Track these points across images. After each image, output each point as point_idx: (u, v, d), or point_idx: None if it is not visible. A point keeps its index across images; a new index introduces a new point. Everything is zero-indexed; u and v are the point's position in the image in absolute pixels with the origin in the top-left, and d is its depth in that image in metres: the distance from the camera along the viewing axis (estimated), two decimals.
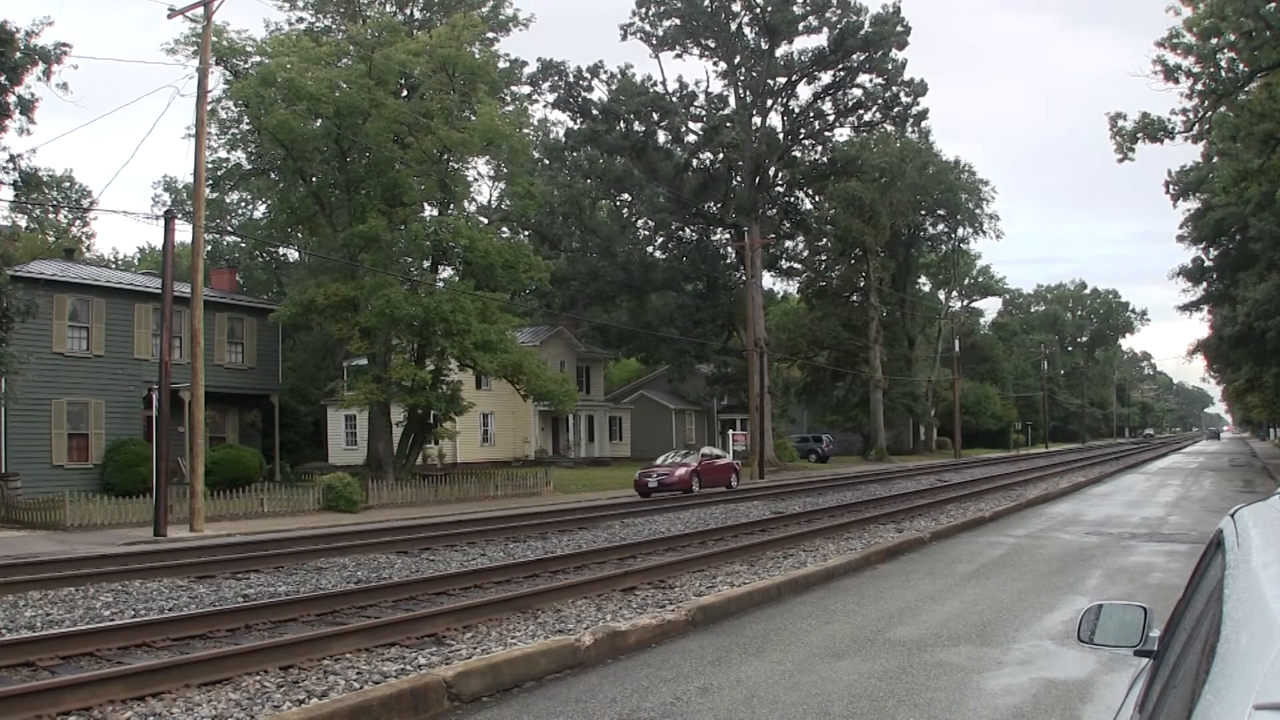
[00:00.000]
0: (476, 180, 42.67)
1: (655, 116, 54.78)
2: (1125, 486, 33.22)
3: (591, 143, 54.75)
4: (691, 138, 56.32)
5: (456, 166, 35.52)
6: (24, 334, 25.65)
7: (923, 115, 56.24)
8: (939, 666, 8.14)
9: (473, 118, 34.20)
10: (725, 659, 8.55)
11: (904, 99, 54.93)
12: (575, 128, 55.68)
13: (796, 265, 67.83)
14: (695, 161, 56.45)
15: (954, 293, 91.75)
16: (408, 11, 43.13)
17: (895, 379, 69.72)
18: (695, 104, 55.96)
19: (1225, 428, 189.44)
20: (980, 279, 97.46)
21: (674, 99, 55.07)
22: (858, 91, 55.52)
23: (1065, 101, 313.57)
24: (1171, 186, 43.39)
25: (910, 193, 63.63)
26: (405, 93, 36.31)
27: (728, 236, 56.97)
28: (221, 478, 29.07)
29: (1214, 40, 27.71)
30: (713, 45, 54.24)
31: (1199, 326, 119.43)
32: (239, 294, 40.84)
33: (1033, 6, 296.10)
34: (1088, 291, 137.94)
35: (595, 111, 54.23)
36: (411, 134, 33.08)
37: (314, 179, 35.01)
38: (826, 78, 55.09)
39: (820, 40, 53.56)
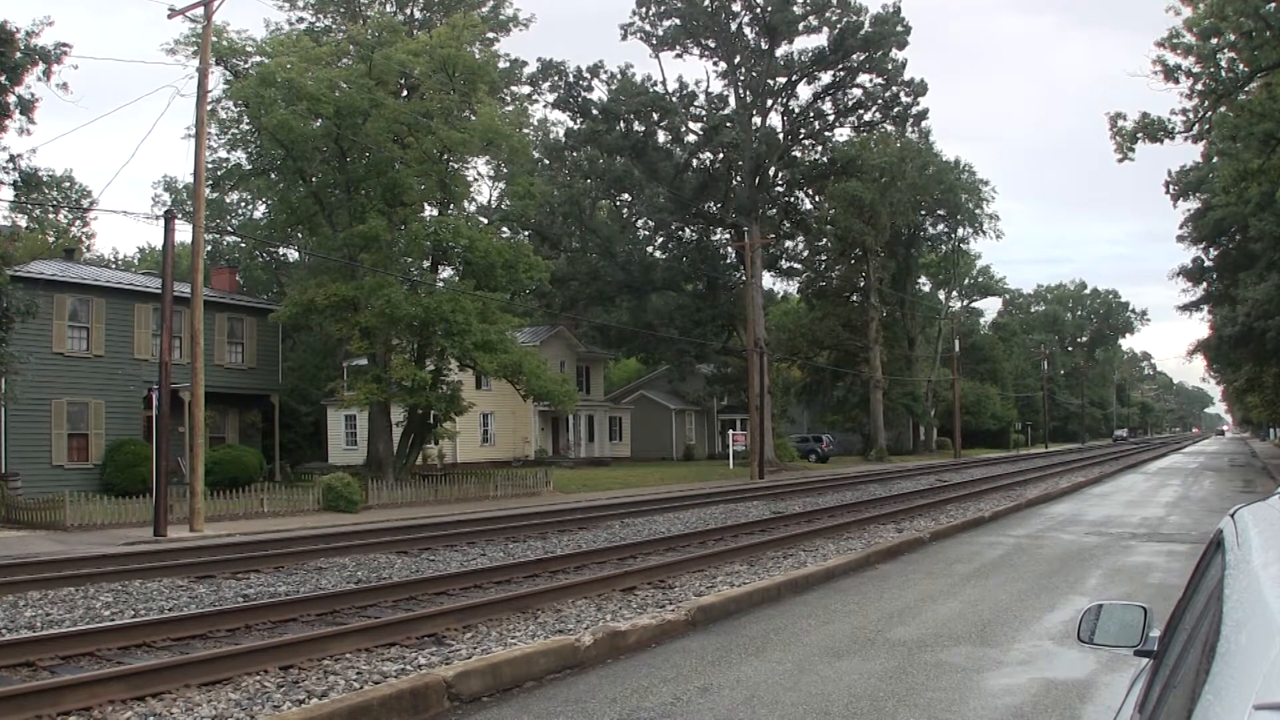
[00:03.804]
0: (476, 180, 42.66)
1: (655, 116, 54.73)
2: (1125, 486, 33.22)
3: (591, 143, 54.72)
4: (691, 138, 56.27)
5: (456, 166, 35.51)
6: (24, 334, 25.66)
7: (923, 115, 56.24)
8: (939, 666, 8.14)
9: (473, 118, 34.19)
10: (725, 659, 8.55)
11: (904, 99, 54.92)
12: (575, 128, 55.65)
13: (796, 265, 67.77)
14: (695, 161, 56.37)
15: (954, 293, 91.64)
16: (408, 11, 43.09)
17: (895, 379, 69.68)
18: (695, 104, 55.91)
19: (1225, 427, 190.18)
20: (980, 279, 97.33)
21: (674, 99, 55.02)
22: (858, 91, 55.53)
23: (1066, 101, 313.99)
24: (1171, 186, 43.48)
25: (910, 193, 63.53)
26: (405, 93, 36.29)
27: (728, 236, 56.93)
28: (221, 478, 29.08)
29: (1214, 40, 27.72)
30: (713, 45, 54.20)
31: (1199, 326, 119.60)
32: (239, 294, 40.84)
33: (1033, 7, 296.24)
34: (1088, 291, 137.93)
35: (595, 111, 54.18)
36: (411, 134, 33.08)
37: (314, 179, 34.99)
38: (826, 78, 55.09)
39: (820, 40, 53.61)
